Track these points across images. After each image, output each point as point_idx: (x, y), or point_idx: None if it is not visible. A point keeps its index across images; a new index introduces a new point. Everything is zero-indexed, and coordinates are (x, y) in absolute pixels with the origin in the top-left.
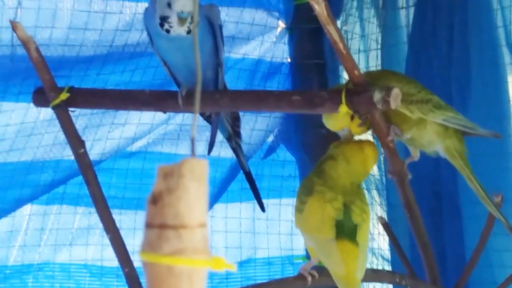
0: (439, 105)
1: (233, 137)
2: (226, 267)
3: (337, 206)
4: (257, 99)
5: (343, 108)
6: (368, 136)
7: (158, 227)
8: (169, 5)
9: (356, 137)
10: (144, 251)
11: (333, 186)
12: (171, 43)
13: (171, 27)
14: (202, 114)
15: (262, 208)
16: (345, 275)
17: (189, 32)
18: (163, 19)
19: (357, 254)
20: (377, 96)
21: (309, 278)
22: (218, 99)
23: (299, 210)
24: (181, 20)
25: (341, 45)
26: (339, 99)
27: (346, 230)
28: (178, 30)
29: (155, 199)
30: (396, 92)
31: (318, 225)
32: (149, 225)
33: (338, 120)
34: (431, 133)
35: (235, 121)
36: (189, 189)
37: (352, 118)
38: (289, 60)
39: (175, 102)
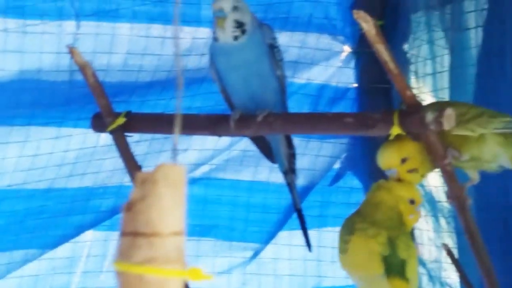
0: (494, 114)
1: (289, 173)
2: (203, 278)
3: (381, 241)
4: (309, 122)
5: (395, 130)
6: None
7: (131, 235)
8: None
9: None
10: (116, 260)
11: (374, 222)
12: (224, 56)
13: (215, 33)
14: (261, 147)
15: (309, 247)
16: None
17: (236, 38)
18: (213, 30)
19: None
20: (429, 117)
21: None
22: (271, 122)
23: (343, 251)
24: (218, 19)
25: (391, 65)
26: (392, 120)
27: (394, 266)
28: (223, 36)
29: (130, 206)
30: (449, 112)
31: (365, 262)
32: (122, 233)
33: (387, 158)
34: (493, 145)
35: (291, 158)
36: (162, 196)
37: (403, 161)
38: (355, 85)
39: (228, 126)
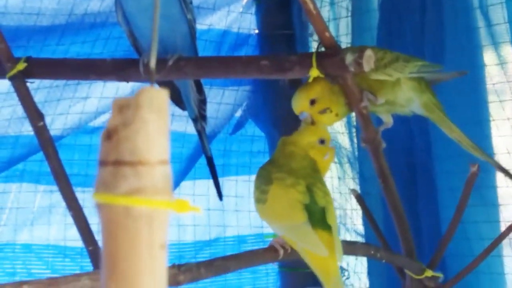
0: (408, 59)
1: (199, 120)
2: (191, 210)
3: (301, 190)
4: (224, 66)
5: (314, 72)
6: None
7: (113, 164)
8: None
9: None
10: (97, 191)
11: (291, 171)
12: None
13: None
14: (170, 93)
15: (220, 197)
16: (327, 257)
17: None
18: None
19: (331, 237)
20: (349, 58)
21: (281, 251)
22: (182, 66)
23: (261, 201)
24: None
25: (311, 6)
26: (310, 62)
27: (315, 214)
28: None
29: (110, 134)
30: (368, 53)
31: (287, 211)
32: (103, 163)
33: (297, 102)
34: (407, 90)
35: (201, 104)
36: (147, 122)
37: (312, 103)
38: (256, 31)
39: (137, 71)
